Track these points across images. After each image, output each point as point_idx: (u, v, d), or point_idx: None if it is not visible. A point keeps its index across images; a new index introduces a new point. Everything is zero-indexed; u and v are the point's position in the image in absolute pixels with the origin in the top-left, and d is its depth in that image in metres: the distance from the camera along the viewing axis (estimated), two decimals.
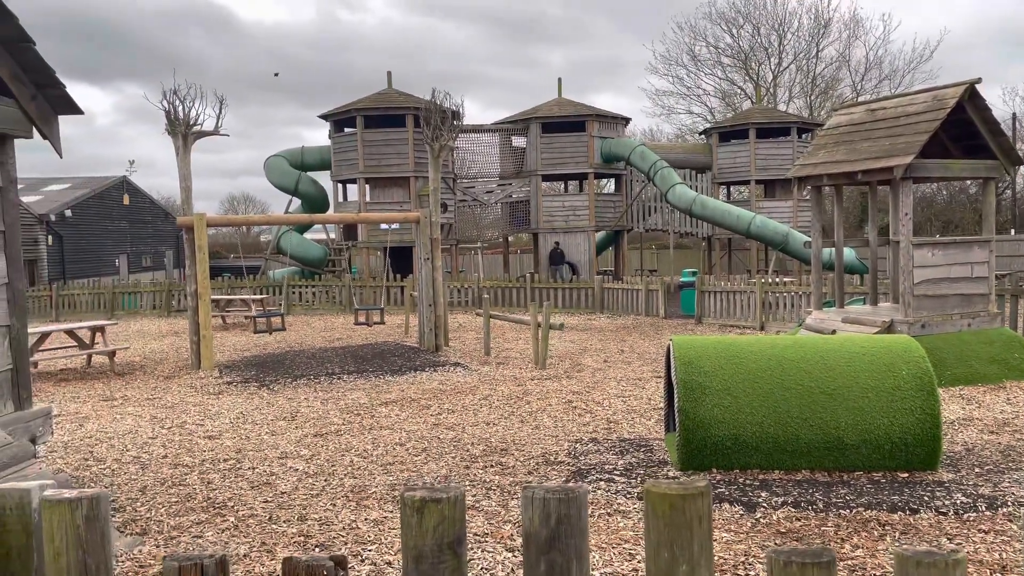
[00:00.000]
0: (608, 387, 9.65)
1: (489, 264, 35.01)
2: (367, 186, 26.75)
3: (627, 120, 29.13)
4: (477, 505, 5.24)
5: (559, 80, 28.63)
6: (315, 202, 28.66)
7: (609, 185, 32.70)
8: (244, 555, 4.45)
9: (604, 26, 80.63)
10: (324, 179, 28.99)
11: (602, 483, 5.69)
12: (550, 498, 1.42)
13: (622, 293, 19.93)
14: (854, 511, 4.91)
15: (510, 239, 32.47)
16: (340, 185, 28.08)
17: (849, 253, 20.59)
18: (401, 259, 24.93)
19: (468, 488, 5.65)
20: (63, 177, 36.50)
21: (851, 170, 10.56)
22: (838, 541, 4.43)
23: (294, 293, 23.13)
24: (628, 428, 7.51)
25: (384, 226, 25.09)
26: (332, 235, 29.11)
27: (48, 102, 5.07)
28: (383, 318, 16.67)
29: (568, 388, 9.65)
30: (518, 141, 28.50)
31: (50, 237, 31.14)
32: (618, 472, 6.00)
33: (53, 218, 31.25)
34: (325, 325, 18.79)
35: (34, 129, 5.11)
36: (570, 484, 1.54)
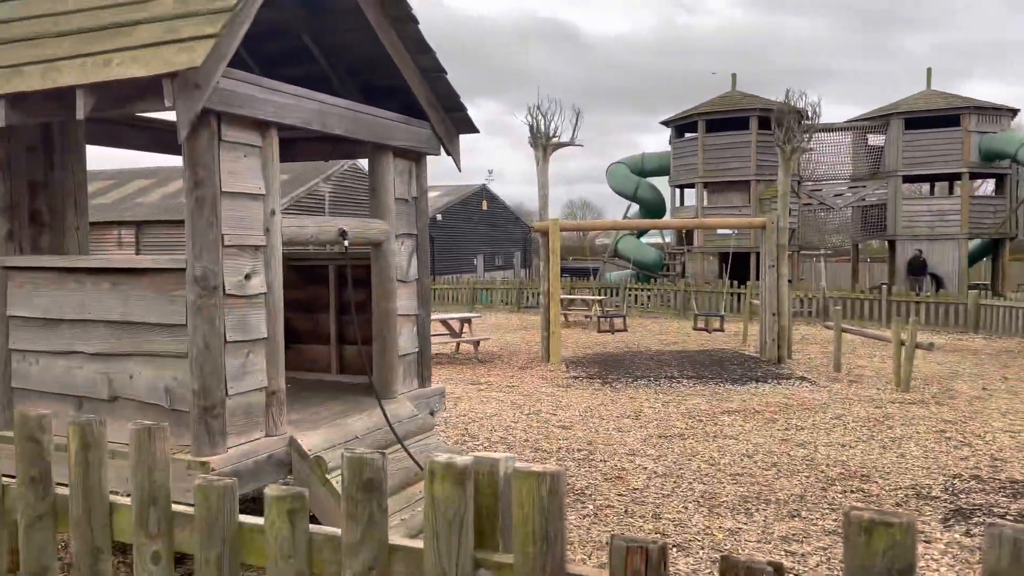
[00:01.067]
0: (991, 419, 8.42)
1: (833, 272, 32.53)
2: (704, 191, 26.51)
3: (1014, 112, 25.08)
4: (839, 531, 4.92)
5: (928, 70, 25.59)
6: (652, 207, 29.16)
7: (986, 186, 28.42)
8: (605, 543, 4.71)
9: (983, 5, 70.11)
10: (661, 183, 29.38)
11: None
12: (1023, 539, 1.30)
13: (1004, 311, 17.21)
14: None
15: (859, 246, 29.81)
16: (677, 190, 28.21)
17: None
18: (737, 265, 24.29)
19: (828, 513, 5.34)
20: (434, 185, 41.71)
21: None
22: None
23: (630, 295, 23.79)
24: (1021, 468, 6.48)
25: (721, 231, 24.70)
26: (667, 239, 29.38)
27: (453, 123, 5.86)
28: (723, 325, 16.39)
29: (938, 416, 8.61)
30: (874, 139, 26.09)
31: None
32: (1011, 517, 5.22)
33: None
34: (660, 328, 19.03)
35: (440, 147, 5.93)
36: None
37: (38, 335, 4.32)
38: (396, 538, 1.81)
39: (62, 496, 2.23)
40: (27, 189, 4.62)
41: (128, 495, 2.16)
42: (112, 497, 2.17)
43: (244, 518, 1.98)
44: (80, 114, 3.70)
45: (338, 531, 1.84)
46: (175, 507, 2.07)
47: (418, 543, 1.79)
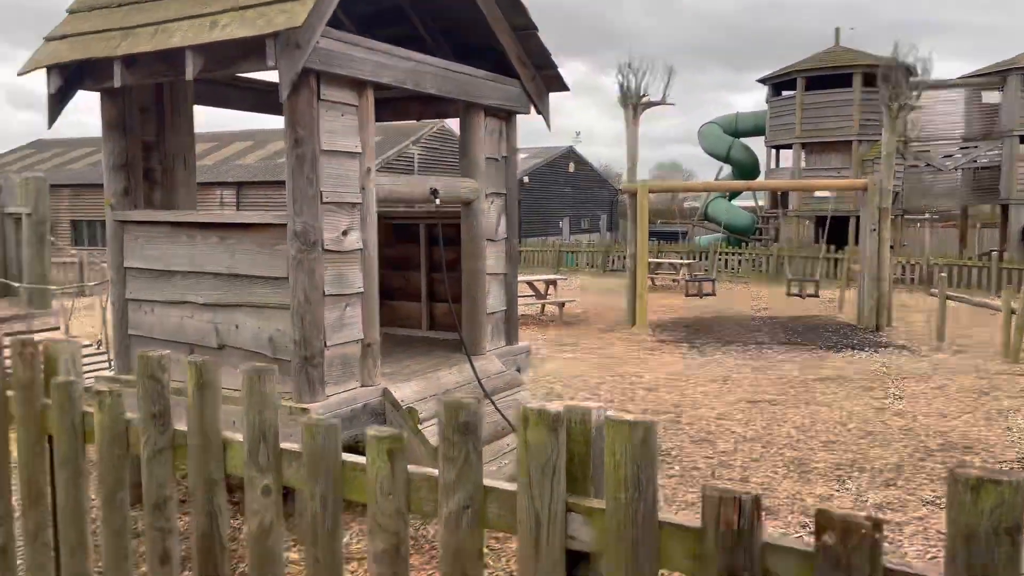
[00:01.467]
0: None
1: (939, 238, 30.87)
2: (802, 152, 25.51)
3: None
4: (940, 502, 4.76)
5: None
6: (745, 169, 28.30)
7: None
8: (691, 503, 4.71)
9: None
10: (755, 144, 28.43)
11: None
12: None
13: None
14: None
15: (969, 211, 28.12)
16: (773, 151, 27.24)
17: None
18: (834, 229, 23.36)
19: (926, 483, 5.16)
20: (521, 148, 41.65)
21: None
22: None
23: (720, 260, 23.28)
24: None
25: (819, 194, 23.78)
26: (760, 203, 28.49)
27: (543, 81, 5.82)
28: (817, 291, 15.85)
29: None
30: (989, 97, 24.43)
31: None
32: None
33: None
34: (750, 293, 18.61)
35: (530, 105, 5.90)
36: None
37: (153, 286, 4.60)
38: (490, 480, 1.87)
39: (180, 431, 2.39)
40: (141, 148, 4.89)
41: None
42: (225, 433, 2.31)
43: (347, 456, 2.08)
44: (189, 74, 3.87)
45: (435, 471, 1.91)
46: (282, 445, 2.20)
47: (512, 486, 1.84)
